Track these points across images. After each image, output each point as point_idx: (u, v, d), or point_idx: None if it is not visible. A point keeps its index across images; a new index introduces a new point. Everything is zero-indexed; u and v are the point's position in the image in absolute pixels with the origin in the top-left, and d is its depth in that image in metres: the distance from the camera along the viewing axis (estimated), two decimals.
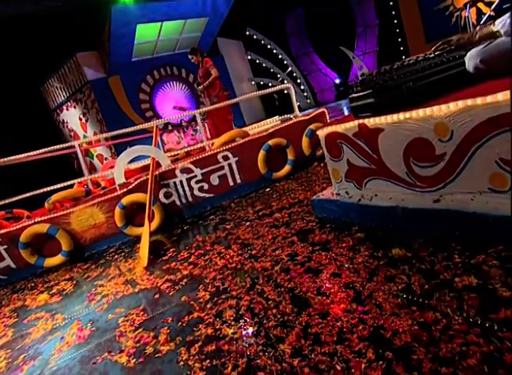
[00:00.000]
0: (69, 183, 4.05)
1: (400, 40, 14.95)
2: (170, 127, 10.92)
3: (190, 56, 5.98)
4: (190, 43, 11.54)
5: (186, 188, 3.63)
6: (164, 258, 2.62)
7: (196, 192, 3.67)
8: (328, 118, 4.48)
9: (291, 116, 4.56)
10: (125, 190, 3.38)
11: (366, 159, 2.07)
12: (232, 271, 1.99)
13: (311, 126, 4.14)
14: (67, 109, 12.03)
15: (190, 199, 3.67)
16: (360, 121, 2.01)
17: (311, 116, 4.26)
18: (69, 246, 3.30)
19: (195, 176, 3.63)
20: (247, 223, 2.79)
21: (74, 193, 3.57)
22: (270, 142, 3.83)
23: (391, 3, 14.76)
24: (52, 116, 12.96)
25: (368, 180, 2.12)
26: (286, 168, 3.98)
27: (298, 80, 15.11)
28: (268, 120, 11.10)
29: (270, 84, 14.45)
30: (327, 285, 1.53)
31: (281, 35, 15.46)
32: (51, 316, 2.18)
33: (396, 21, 14.85)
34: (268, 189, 3.76)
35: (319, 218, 2.39)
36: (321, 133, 2.31)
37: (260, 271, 1.87)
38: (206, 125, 7.86)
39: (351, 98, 2.18)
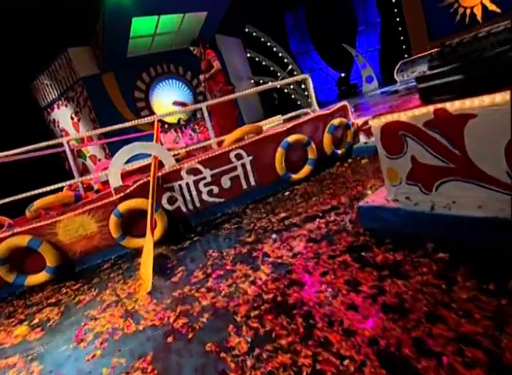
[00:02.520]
0: (57, 186, 3.50)
1: (402, 38, 14.63)
2: (167, 126, 10.37)
3: (191, 48, 5.49)
4: (188, 38, 10.95)
5: (194, 192, 3.12)
6: (173, 279, 2.11)
7: (204, 196, 3.16)
8: (350, 112, 4.00)
9: (308, 111, 4.08)
10: (122, 195, 2.86)
11: (442, 156, 1.59)
12: (271, 304, 1.49)
13: (334, 122, 3.66)
14: (58, 108, 11.42)
15: (198, 205, 3.16)
16: (438, 106, 1.54)
17: (332, 109, 3.78)
18: (54, 261, 2.77)
19: (204, 177, 3.12)
20: (274, 236, 2.29)
21: (61, 198, 3.03)
22: (289, 139, 3.34)
23: (393, 0, 14.45)
24: (43, 115, 12.33)
25: (442, 183, 1.64)
26: (306, 168, 3.50)
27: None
28: (270, 119, 10.55)
29: (270, 83, 13.98)
30: (430, 337, 1.04)
31: (281, 33, 15.02)
32: (27, 363, 1.65)
33: (398, 19, 14.54)
34: (287, 193, 3.27)
35: (370, 230, 1.90)
36: (377, 123, 1.82)
37: (313, 307, 1.37)
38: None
39: (420, 77, 1.70)
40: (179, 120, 10.70)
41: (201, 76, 5.52)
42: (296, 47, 15.85)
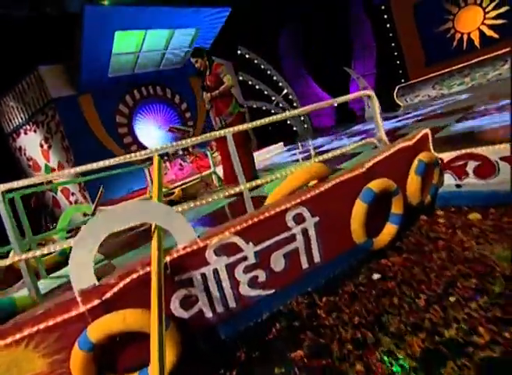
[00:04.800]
0: None
1: (398, 62, 14.19)
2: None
3: (193, 59, 4.30)
4: (178, 58, 9.95)
5: (226, 284, 1.78)
6: None
7: (244, 289, 1.83)
8: (430, 143, 2.82)
9: (373, 140, 2.87)
10: (95, 303, 1.49)
11: None
12: None
13: (422, 158, 2.47)
14: (25, 134, 9.89)
15: (233, 304, 1.81)
16: None
17: (415, 140, 2.59)
18: None
19: (244, 258, 1.79)
20: None
21: None
22: (373, 186, 2.10)
23: (388, 25, 14.09)
24: (7, 141, 10.73)
25: None
26: (389, 229, 2.25)
27: (294, 104, 13.79)
28: (271, 148, 9.40)
29: (264, 108, 13.04)
30: None
31: (275, 55, 14.28)
32: None
33: (393, 44, 14.14)
34: (376, 276, 1.98)
35: None
36: None
37: None
38: (208, 152, 6.09)
39: None
40: None
41: (206, 95, 4.31)
42: (290, 70, 15.12)
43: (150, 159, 8.80)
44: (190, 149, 9.61)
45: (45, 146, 9.39)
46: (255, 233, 1.80)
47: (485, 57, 11.60)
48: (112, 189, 8.81)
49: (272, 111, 13.07)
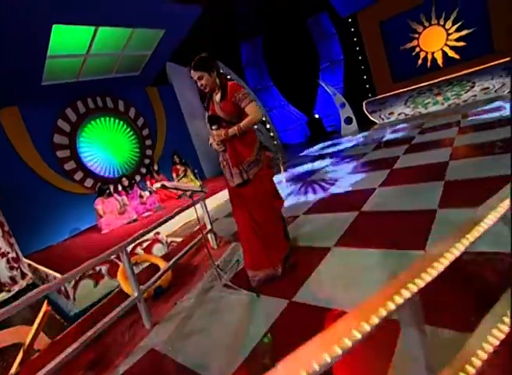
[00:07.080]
0: None
1: (365, 77, 13.80)
2: (108, 192, 6.89)
3: (196, 74, 2.77)
4: (134, 63, 8.08)
5: None
6: None
7: None
8: None
9: None
10: None
11: None
12: None
13: None
14: None
15: None
16: None
17: None
18: None
19: None
20: None
21: None
22: None
23: (355, 39, 13.65)
24: None
25: None
26: None
27: (263, 118, 12.55)
28: None
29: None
30: None
31: (239, 65, 12.97)
32: None
33: (360, 57, 13.73)
34: None
35: None
36: None
37: None
38: (198, 180, 4.49)
39: None
40: (121, 177, 7.43)
41: (219, 132, 2.79)
42: (254, 82, 13.91)
43: (102, 191, 6.79)
44: (155, 175, 7.81)
45: None
46: None
47: (451, 76, 11.66)
48: (52, 231, 6.68)
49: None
